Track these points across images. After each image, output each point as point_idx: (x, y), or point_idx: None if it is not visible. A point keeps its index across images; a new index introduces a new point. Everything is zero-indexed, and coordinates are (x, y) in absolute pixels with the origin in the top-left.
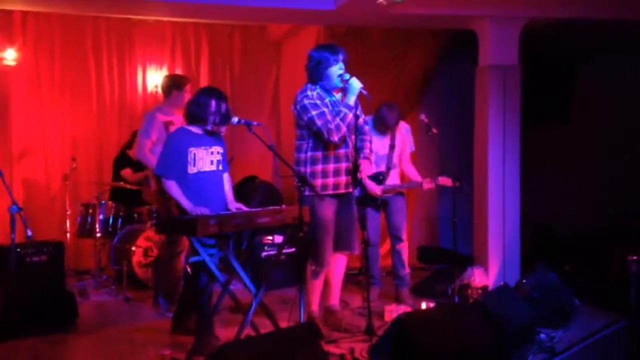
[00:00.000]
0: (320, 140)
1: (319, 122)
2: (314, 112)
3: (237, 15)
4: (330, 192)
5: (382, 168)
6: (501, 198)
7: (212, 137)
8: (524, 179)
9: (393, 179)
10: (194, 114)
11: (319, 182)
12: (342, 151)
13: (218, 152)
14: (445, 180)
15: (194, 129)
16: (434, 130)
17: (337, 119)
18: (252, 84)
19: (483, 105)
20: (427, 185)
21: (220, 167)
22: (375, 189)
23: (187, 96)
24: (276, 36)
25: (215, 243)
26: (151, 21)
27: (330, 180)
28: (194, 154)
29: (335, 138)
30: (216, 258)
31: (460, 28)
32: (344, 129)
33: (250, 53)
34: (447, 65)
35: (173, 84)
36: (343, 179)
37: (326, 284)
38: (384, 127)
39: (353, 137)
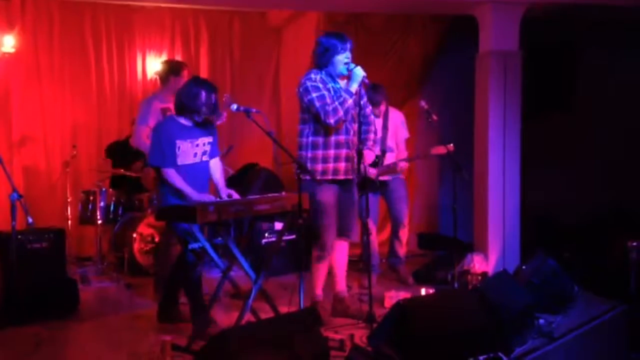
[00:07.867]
0: (319, 124)
1: (317, 104)
2: (314, 94)
3: (235, 1)
4: (330, 177)
5: (377, 151)
6: (501, 185)
7: (201, 128)
8: (524, 165)
9: (389, 162)
10: (184, 105)
11: (319, 167)
12: (342, 137)
13: (204, 144)
14: (438, 149)
15: (183, 120)
16: (434, 117)
17: (336, 102)
18: (252, 71)
19: (483, 91)
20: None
21: (205, 158)
22: (370, 170)
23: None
24: (276, 23)
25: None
26: (150, 8)
27: (330, 166)
28: (179, 147)
29: (331, 120)
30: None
31: (460, 13)
32: (340, 112)
33: (250, 40)
34: (447, 51)
35: (170, 70)
36: (342, 165)
37: (330, 271)
38: (372, 105)
39: (355, 125)
